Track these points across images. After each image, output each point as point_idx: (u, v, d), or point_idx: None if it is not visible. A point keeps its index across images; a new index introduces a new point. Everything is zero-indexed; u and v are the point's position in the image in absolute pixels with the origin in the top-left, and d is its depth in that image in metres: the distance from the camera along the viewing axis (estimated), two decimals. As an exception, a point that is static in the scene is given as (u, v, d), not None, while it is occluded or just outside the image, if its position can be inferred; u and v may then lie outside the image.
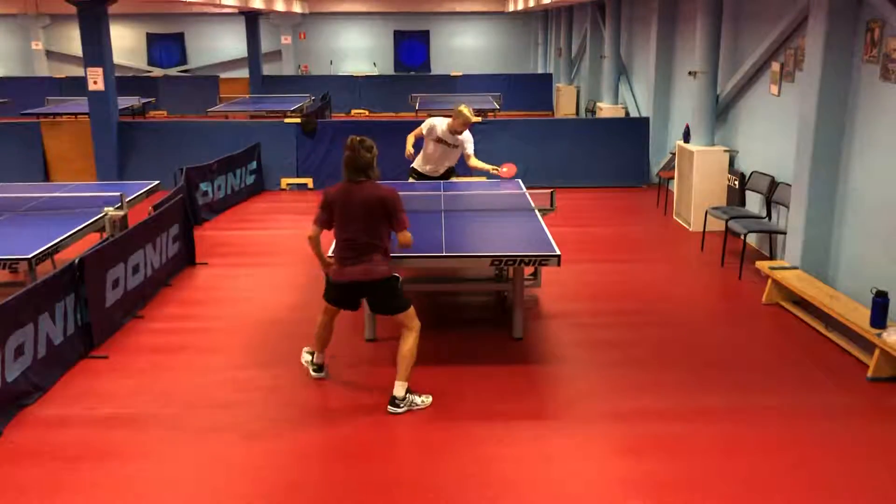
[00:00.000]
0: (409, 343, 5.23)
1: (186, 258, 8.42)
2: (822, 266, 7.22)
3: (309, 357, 5.70)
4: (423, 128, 8.05)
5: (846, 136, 6.99)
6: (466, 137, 8.04)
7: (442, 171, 8.33)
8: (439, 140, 8.01)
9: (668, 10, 12.13)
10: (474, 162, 8.01)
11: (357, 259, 5.13)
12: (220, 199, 11.00)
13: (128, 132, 12.73)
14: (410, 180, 8.38)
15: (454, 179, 8.56)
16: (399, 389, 5.20)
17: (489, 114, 15.77)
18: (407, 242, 5.30)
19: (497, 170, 8.10)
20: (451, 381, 5.63)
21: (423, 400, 5.27)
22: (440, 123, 8.00)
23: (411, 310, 5.28)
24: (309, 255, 8.60)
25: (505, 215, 7.11)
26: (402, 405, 5.17)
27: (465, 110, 7.84)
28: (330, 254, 5.45)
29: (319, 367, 5.68)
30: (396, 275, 5.27)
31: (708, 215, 8.93)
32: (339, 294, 5.35)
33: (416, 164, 8.35)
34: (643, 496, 4.27)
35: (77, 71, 23.24)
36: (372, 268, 5.13)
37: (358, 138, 5.18)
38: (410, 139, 8.08)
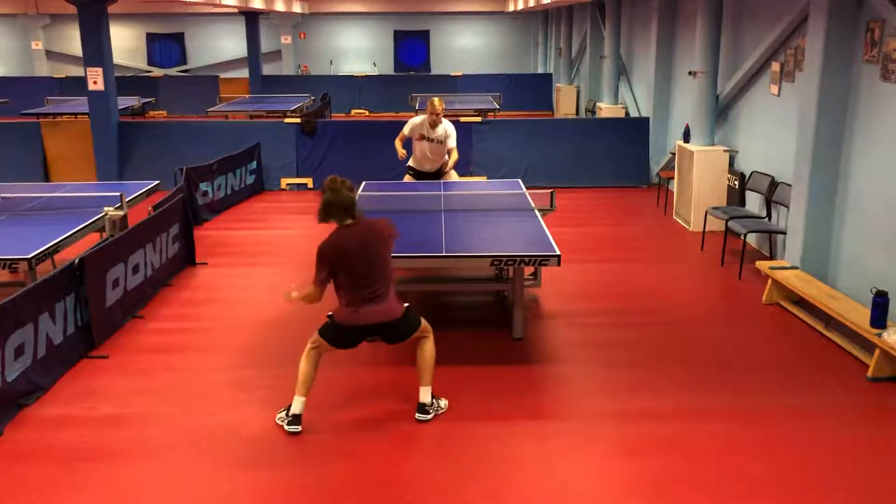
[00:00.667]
0: (428, 348, 5.12)
1: (186, 258, 8.42)
2: (822, 266, 7.22)
3: (283, 413, 5.10)
4: (406, 129, 8.31)
5: (846, 136, 6.99)
6: (449, 131, 8.24)
7: (437, 166, 8.50)
8: (422, 137, 8.24)
9: (668, 10, 12.13)
10: (453, 157, 8.27)
11: (376, 301, 4.88)
12: (220, 199, 11.01)
13: (128, 132, 12.74)
14: (407, 179, 8.50)
15: (456, 179, 8.65)
16: (426, 395, 5.12)
17: (489, 114, 15.77)
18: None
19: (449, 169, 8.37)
20: (451, 381, 5.62)
21: (444, 404, 5.24)
22: (419, 120, 8.26)
23: (423, 321, 5.17)
24: (310, 256, 8.64)
25: (505, 215, 7.11)
26: (430, 410, 5.10)
27: (435, 100, 8.17)
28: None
29: (297, 419, 4.99)
30: (407, 304, 5.11)
31: (708, 215, 8.93)
32: (348, 335, 5.02)
33: (411, 162, 8.54)
34: (643, 496, 4.27)
35: (77, 71, 23.26)
36: (391, 307, 4.95)
37: (338, 179, 4.89)
38: (398, 143, 8.32)
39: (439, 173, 8.54)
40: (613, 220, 10.49)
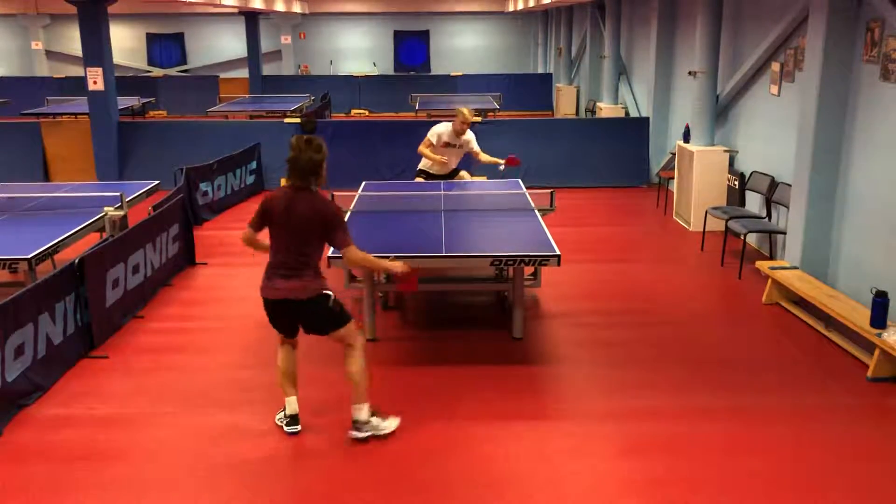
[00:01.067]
0: (356, 362, 4.79)
1: (186, 258, 8.42)
2: (822, 266, 7.22)
3: (281, 413, 5.07)
4: (432, 138, 8.38)
5: (846, 136, 6.99)
6: (470, 136, 8.46)
7: (451, 170, 8.68)
8: (446, 144, 8.38)
9: (668, 10, 12.13)
10: (484, 158, 8.49)
11: (288, 275, 4.64)
12: (220, 199, 11.01)
13: (128, 132, 12.74)
14: (418, 180, 8.58)
15: (467, 178, 8.76)
16: (359, 412, 4.81)
17: (489, 114, 15.77)
18: (356, 260, 4.77)
19: (503, 164, 8.42)
20: (451, 381, 5.63)
21: (389, 424, 4.88)
22: (444, 128, 8.39)
23: (351, 325, 4.81)
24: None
25: (505, 215, 7.11)
26: (364, 429, 4.80)
27: (465, 110, 8.28)
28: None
29: (295, 419, 4.96)
30: (328, 292, 4.73)
31: (708, 215, 8.93)
32: (272, 313, 4.83)
33: (424, 165, 8.63)
34: (643, 496, 4.27)
35: (77, 71, 23.26)
36: (302, 284, 4.64)
37: (305, 137, 4.64)
38: (428, 152, 8.36)
39: (452, 175, 8.71)
40: (613, 220, 10.49)
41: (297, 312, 4.76)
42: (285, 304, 4.71)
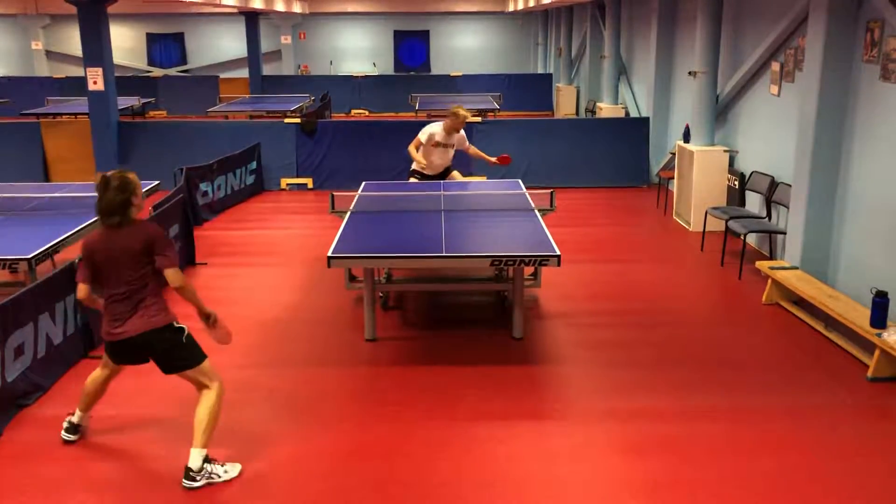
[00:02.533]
0: (209, 403, 4.46)
1: (186, 258, 8.42)
2: (822, 266, 7.22)
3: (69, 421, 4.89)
4: (422, 137, 8.36)
5: (846, 137, 6.99)
6: (462, 134, 8.54)
7: (442, 170, 8.63)
8: (437, 144, 8.38)
9: (668, 10, 12.13)
10: (474, 150, 8.77)
11: (130, 312, 4.37)
12: (220, 199, 11.01)
13: (128, 132, 12.74)
14: (412, 181, 8.53)
15: (460, 179, 8.75)
16: (195, 459, 4.39)
17: (489, 114, 15.77)
18: (178, 284, 4.40)
19: (494, 160, 8.62)
20: (451, 381, 5.63)
21: (228, 470, 4.47)
22: (436, 128, 8.37)
23: (206, 364, 4.53)
24: (310, 256, 8.67)
25: (505, 215, 7.11)
26: (199, 478, 4.37)
27: (462, 110, 8.29)
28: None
29: (75, 428, 4.86)
30: (180, 325, 4.49)
31: (708, 215, 8.93)
32: (118, 354, 4.57)
33: (416, 165, 8.58)
34: (643, 496, 4.27)
35: (77, 71, 23.26)
36: (147, 319, 4.37)
37: (107, 175, 4.36)
38: (414, 152, 8.34)
39: (445, 174, 8.70)
40: (613, 220, 10.49)
41: (147, 348, 4.46)
42: (131, 344, 4.43)
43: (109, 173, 4.40)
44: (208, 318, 4.62)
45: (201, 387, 4.52)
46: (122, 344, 4.45)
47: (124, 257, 4.34)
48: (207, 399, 4.48)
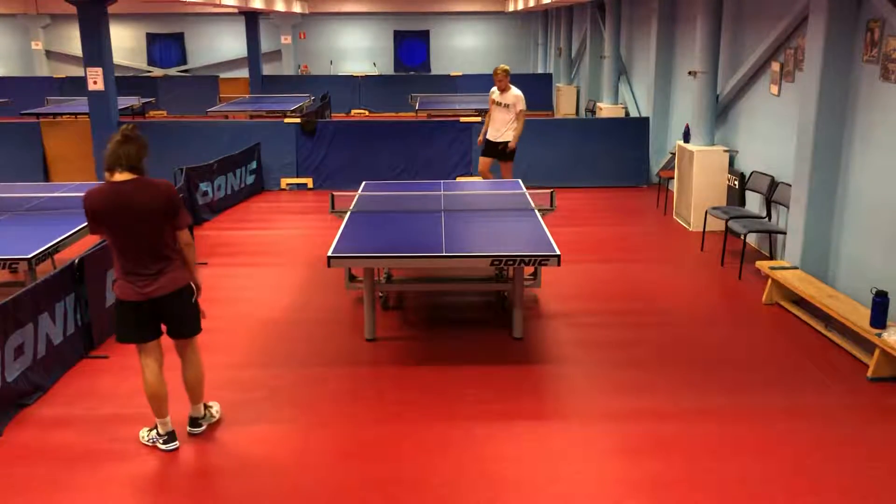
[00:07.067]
0: (199, 363, 4.84)
1: (186, 258, 8.41)
2: (822, 266, 7.22)
3: (145, 433, 4.83)
4: (489, 99, 9.72)
5: (846, 136, 6.99)
6: (518, 95, 9.55)
7: (501, 133, 9.64)
8: (494, 102, 9.55)
9: (668, 10, 12.13)
10: (520, 121, 9.59)
11: (160, 270, 4.42)
12: (220, 199, 11.01)
13: (128, 132, 12.72)
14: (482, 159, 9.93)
15: (459, 179, 8.83)
16: (199, 409, 4.91)
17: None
18: (189, 240, 4.59)
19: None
20: (451, 381, 5.63)
21: (214, 405, 5.08)
22: (493, 89, 9.63)
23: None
24: (310, 256, 8.67)
25: (505, 215, 7.11)
26: (203, 422, 4.93)
27: (499, 67, 9.50)
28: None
29: (172, 435, 4.76)
30: (193, 284, 4.63)
31: (708, 215, 8.93)
32: (137, 318, 4.50)
33: (482, 131, 9.94)
34: (643, 496, 4.27)
35: (77, 71, 23.28)
36: (174, 276, 4.47)
37: (124, 128, 4.36)
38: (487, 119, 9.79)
39: (502, 144, 9.57)
40: (613, 220, 10.49)
41: (168, 308, 4.54)
42: (155, 303, 4.48)
43: (122, 126, 4.46)
44: (197, 287, 4.78)
45: (191, 351, 4.81)
46: (151, 303, 4.47)
47: (146, 213, 4.31)
48: (196, 362, 4.83)
